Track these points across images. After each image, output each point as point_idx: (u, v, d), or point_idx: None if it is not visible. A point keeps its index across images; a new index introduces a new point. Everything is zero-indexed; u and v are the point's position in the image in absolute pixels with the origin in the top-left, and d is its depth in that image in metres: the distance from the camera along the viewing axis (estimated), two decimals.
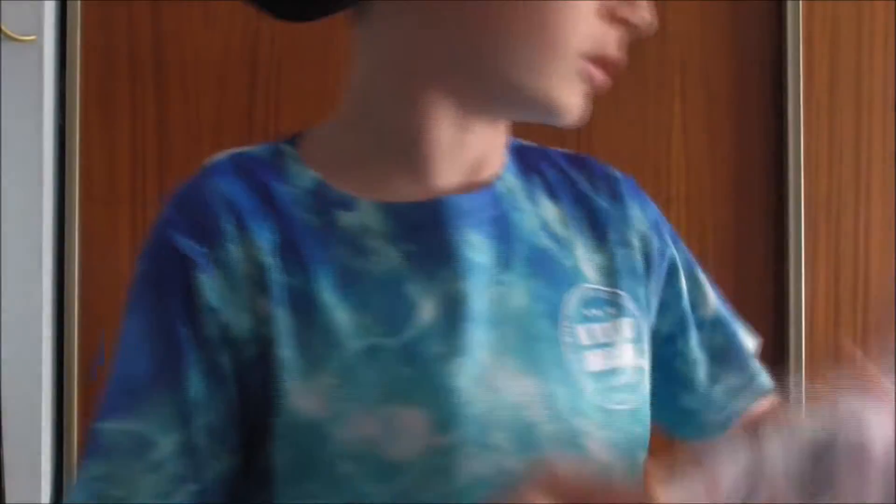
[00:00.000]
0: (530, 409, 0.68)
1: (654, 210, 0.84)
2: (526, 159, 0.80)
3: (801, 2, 2.04)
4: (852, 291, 2.05)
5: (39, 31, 2.04)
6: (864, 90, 2.07)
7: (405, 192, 0.72)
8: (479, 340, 0.68)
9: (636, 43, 2.11)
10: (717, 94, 2.07)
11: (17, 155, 2.04)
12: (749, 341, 0.88)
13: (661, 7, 2.14)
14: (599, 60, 0.73)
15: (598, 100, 1.91)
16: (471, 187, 0.73)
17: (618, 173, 0.86)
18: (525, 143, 0.83)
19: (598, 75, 0.74)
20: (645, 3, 0.75)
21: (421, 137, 0.73)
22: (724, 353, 0.83)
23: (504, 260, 0.72)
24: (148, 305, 0.74)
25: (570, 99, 0.73)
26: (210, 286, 0.69)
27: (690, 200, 2.08)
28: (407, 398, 0.66)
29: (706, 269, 2.09)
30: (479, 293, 0.69)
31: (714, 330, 0.85)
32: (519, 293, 0.71)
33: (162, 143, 2.09)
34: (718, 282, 2.16)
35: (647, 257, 0.81)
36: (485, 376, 0.67)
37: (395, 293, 0.69)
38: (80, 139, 2.08)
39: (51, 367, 2.05)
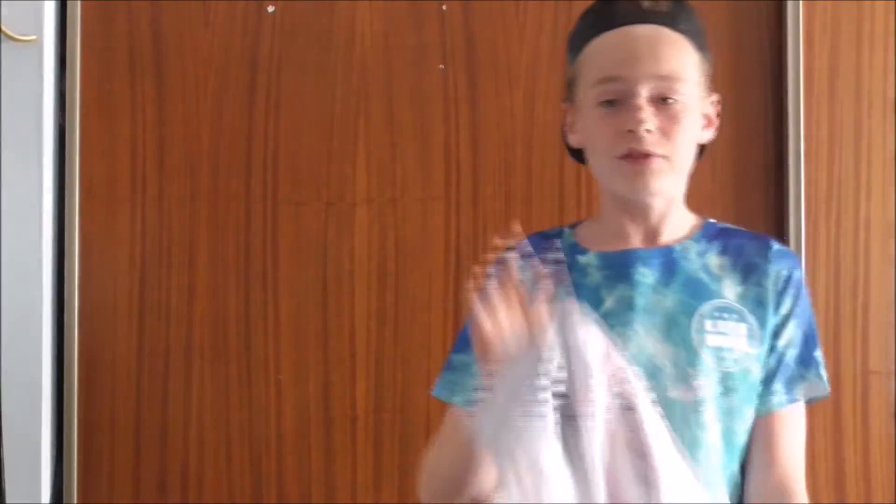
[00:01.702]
0: (659, 357, 1.25)
1: (791, 274, 1.32)
2: (720, 234, 1.36)
3: (801, 2, 2.05)
4: (852, 291, 2.06)
5: (39, 31, 2.04)
6: (864, 90, 2.07)
7: (610, 247, 1.32)
8: (635, 321, 1.26)
9: None
10: (717, 94, 2.07)
11: (17, 155, 2.04)
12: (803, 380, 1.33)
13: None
14: (629, 156, 1.26)
15: None
16: (652, 246, 1.32)
17: (780, 248, 1.34)
18: (727, 226, 1.39)
19: (636, 164, 1.26)
20: (637, 120, 1.25)
21: (617, 225, 1.33)
22: (771, 373, 1.31)
23: (664, 282, 1.29)
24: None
25: (625, 182, 1.28)
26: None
27: (690, 200, 2.07)
28: None
29: None
30: (641, 297, 1.28)
31: (773, 356, 1.31)
32: (670, 300, 1.28)
33: (162, 143, 2.09)
34: None
35: (774, 296, 1.31)
36: (636, 340, 1.25)
37: (595, 294, 1.28)
38: (80, 139, 2.08)
39: (51, 367, 2.06)
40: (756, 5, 2.07)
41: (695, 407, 1.24)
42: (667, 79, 1.25)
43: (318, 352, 2.07)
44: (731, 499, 1.27)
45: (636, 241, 1.33)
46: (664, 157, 1.26)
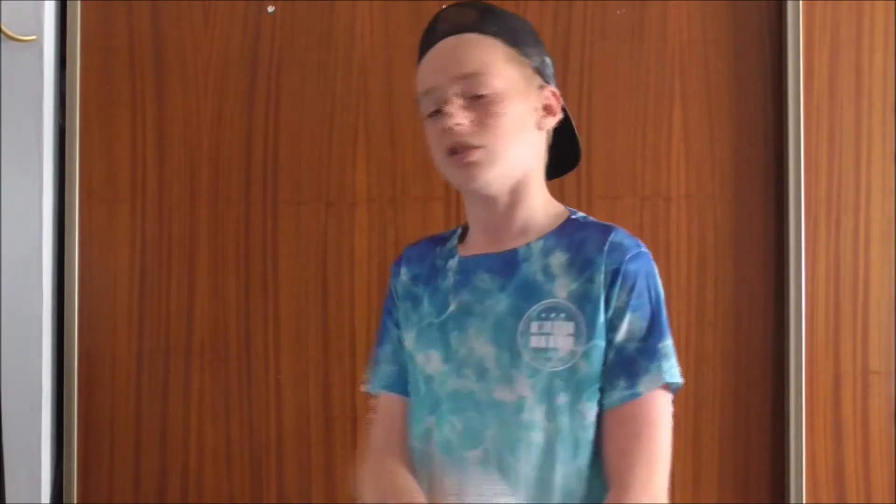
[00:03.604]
0: (487, 360, 1.34)
1: (621, 267, 1.33)
2: (574, 230, 1.38)
3: (801, 2, 2.05)
4: (852, 291, 2.06)
5: (39, 31, 2.04)
6: (864, 90, 2.07)
7: (471, 251, 1.42)
8: (469, 325, 1.36)
9: (636, 42, 2.10)
10: (717, 94, 2.07)
11: (17, 155, 2.04)
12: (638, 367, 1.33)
13: (661, 7, 2.15)
14: (452, 152, 1.34)
15: (599, 100, 1.91)
16: (498, 250, 1.39)
17: (619, 238, 1.35)
18: (588, 220, 1.40)
19: (458, 159, 1.34)
20: (448, 117, 1.33)
21: (474, 227, 1.44)
22: (612, 368, 1.33)
23: (501, 287, 1.36)
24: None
25: (455, 178, 1.37)
26: (393, 286, 1.47)
27: (690, 200, 2.08)
28: (435, 347, 1.38)
29: (706, 269, 2.07)
30: (477, 302, 1.37)
31: (612, 351, 1.33)
32: (503, 303, 1.35)
33: (162, 143, 2.09)
34: (718, 281, 2.16)
35: (604, 290, 1.32)
36: (467, 342, 1.35)
37: (445, 299, 1.39)
38: (80, 139, 2.08)
39: (51, 367, 2.06)
40: (756, 5, 2.07)
41: (517, 408, 1.30)
42: (472, 76, 1.33)
43: (318, 352, 2.07)
44: (579, 494, 1.30)
45: (488, 241, 1.40)
46: (482, 146, 1.32)
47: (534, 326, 1.32)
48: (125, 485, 2.07)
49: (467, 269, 1.39)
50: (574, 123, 1.46)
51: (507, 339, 1.32)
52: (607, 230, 1.36)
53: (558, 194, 2.08)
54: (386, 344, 1.46)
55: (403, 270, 1.46)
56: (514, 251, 1.37)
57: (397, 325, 1.45)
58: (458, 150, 1.33)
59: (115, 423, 2.07)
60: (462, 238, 1.46)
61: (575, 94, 2.07)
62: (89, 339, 2.07)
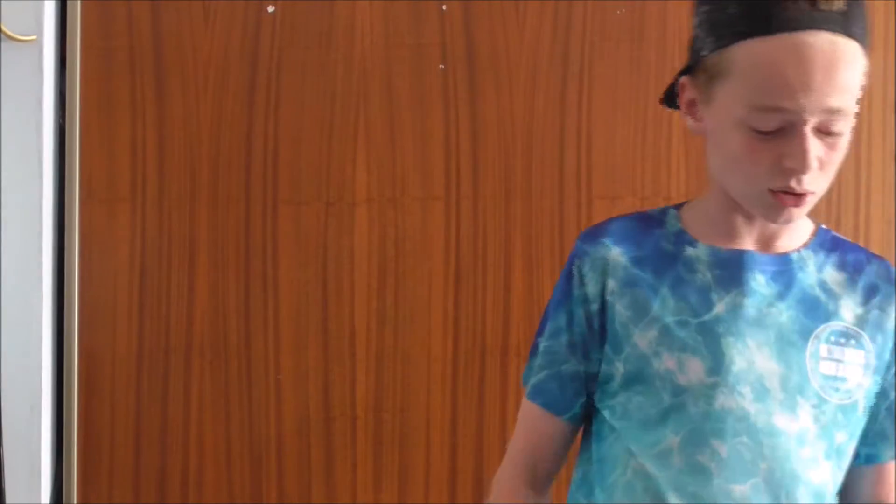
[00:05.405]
0: (769, 379, 1.12)
1: None
2: (834, 245, 1.22)
3: None
4: None
5: (39, 31, 2.04)
6: (863, 90, 2.07)
7: (721, 243, 1.19)
8: (747, 333, 1.14)
9: (636, 42, 2.09)
10: None
11: (17, 155, 2.04)
12: None
13: (661, 7, 2.15)
14: (784, 193, 1.10)
15: (599, 100, 1.92)
16: (767, 251, 1.19)
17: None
18: (837, 235, 1.25)
19: (788, 201, 1.10)
20: (807, 159, 1.08)
21: (728, 222, 1.19)
22: (889, 415, 1.21)
23: (779, 295, 1.16)
24: (561, 278, 1.23)
25: (766, 212, 1.13)
26: (581, 268, 1.20)
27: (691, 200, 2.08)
28: (695, 352, 1.14)
29: None
30: (754, 307, 1.15)
31: (884, 398, 1.21)
32: (785, 315, 1.16)
33: (162, 143, 2.09)
34: None
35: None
36: (746, 355, 1.13)
37: (704, 295, 1.16)
38: (80, 139, 2.08)
39: (51, 367, 2.06)
40: None
41: (799, 439, 1.12)
42: (837, 112, 1.10)
43: (318, 352, 2.07)
44: None
45: (749, 241, 1.20)
46: (813, 193, 1.11)
47: (823, 349, 1.15)
48: (125, 485, 2.07)
49: (730, 264, 1.17)
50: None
51: (796, 358, 1.14)
52: (875, 255, 1.24)
53: (558, 194, 2.10)
54: (549, 338, 1.23)
55: (616, 251, 1.20)
56: (787, 256, 1.19)
57: (590, 320, 1.20)
58: (788, 192, 1.09)
59: (115, 423, 2.07)
60: (680, 220, 1.23)
61: (575, 94, 2.07)
62: (89, 339, 2.07)
